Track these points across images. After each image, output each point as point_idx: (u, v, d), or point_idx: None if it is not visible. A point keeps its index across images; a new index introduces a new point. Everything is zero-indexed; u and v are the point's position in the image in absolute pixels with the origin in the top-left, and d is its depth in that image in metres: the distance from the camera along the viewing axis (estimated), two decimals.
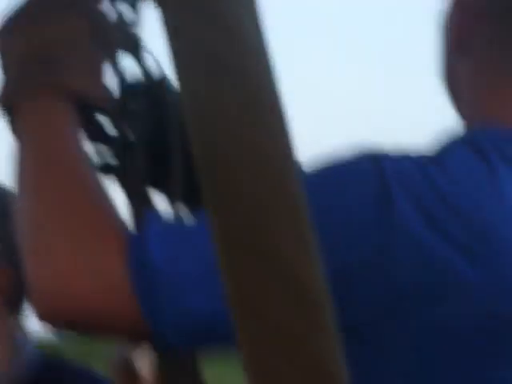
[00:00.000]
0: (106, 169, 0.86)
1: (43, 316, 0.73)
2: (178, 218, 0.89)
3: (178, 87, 0.49)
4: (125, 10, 0.91)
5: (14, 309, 1.44)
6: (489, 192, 0.73)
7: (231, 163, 0.45)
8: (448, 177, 0.72)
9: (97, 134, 0.85)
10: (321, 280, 0.47)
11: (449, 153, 0.76)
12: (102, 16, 0.84)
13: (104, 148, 0.87)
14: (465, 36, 0.82)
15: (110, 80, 0.86)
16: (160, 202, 0.90)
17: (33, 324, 1.52)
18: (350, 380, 0.48)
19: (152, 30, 0.91)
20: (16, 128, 0.78)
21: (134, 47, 0.90)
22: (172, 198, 0.93)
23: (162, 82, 0.93)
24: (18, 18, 0.79)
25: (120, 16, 0.88)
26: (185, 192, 0.89)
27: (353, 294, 0.71)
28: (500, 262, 0.72)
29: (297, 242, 0.46)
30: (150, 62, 0.92)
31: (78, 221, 0.72)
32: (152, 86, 0.92)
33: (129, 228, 0.76)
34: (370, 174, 0.72)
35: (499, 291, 0.72)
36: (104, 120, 0.85)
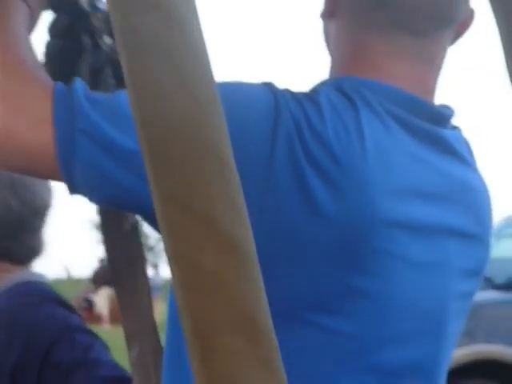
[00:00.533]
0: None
1: None
2: None
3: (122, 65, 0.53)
4: None
5: None
6: (353, 132, 0.82)
7: (167, 131, 0.50)
8: (320, 116, 0.81)
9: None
10: (249, 236, 0.52)
11: (321, 91, 0.86)
12: None
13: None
14: (331, 3, 0.96)
15: None
16: None
17: None
18: (272, 326, 0.53)
19: None
20: None
21: None
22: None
23: None
24: None
25: None
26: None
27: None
28: (354, 183, 0.83)
29: (227, 203, 0.52)
30: None
31: (11, 70, 0.81)
32: None
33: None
34: (265, 98, 0.83)
35: (353, 220, 0.83)
36: None
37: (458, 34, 0.99)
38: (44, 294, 1.52)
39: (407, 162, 0.88)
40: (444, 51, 0.98)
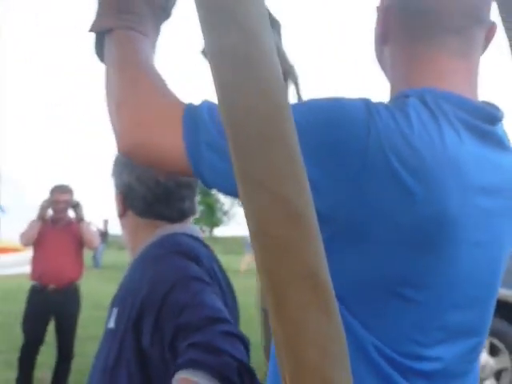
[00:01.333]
0: None
1: (121, 150, 1.05)
2: None
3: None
4: None
5: None
6: (435, 138, 0.94)
7: (248, 128, 0.63)
8: (409, 125, 0.93)
9: None
10: (310, 206, 0.64)
11: (408, 104, 0.97)
12: None
13: None
14: (383, 29, 1.09)
15: None
16: None
17: None
18: (330, 279, 0.64)
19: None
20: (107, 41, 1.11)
21: None
22: None
23: None
24: None
25: None
26: None
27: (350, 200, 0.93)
28: (436, 183, 0.94)
29: (293, 181, 0.63)
30: None
31: (148, 99, 1.02)
32: None
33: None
34: (360, 118, 0.93)
35: (433, 201, 0.94)
36: None
37: (487, 39, 1.09)
38: (174, 247, 1.71)
39: (473, 163, 0.99)
40: (479, 48, 1.09)
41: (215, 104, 0.97)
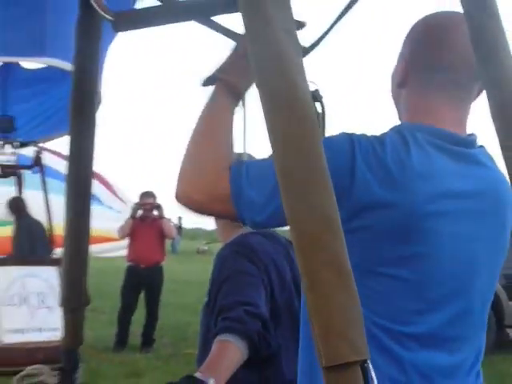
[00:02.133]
0: None
1: (180, 202, 1.03)
2: None
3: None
4: None
5: None
6: (403, 156, 0.95)
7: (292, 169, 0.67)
8: (384, 148, 0.95)
9: None
10: (335, 211, 0.67)
11: (387, 133, 0.99)
12: None
13: None
14: (402, 79, 1.07)
15: None
16: None
17: None
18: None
19: None
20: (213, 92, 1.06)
21: None
22: None
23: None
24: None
25: None
26: None
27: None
28: (402, 189, 0.94)
29: (325, 194, 0.67)
30: None
31: (210, 156, 1.00)
32: None
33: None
34: (346, 148, 0.95)
35: (401, 203, 0.94)
36: None
37: (480, 91, 1.06)
38: (237, 247, 1.68)
39: (442, 175, 0.98)
40: (473, 98, 1.07)
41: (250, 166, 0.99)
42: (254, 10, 0.72)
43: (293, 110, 0.68)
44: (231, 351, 1.41)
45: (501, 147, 0.82)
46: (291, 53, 0.70)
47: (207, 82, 1.06)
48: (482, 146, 1.07)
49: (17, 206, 5.87)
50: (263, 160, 1.04)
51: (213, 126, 1.03)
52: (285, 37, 0.70)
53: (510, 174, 0.81)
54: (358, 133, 0.98)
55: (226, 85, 1.04)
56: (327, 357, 0.63)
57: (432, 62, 1.04)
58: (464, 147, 1.03)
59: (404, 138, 0.97)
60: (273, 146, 0.69)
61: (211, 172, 0.98)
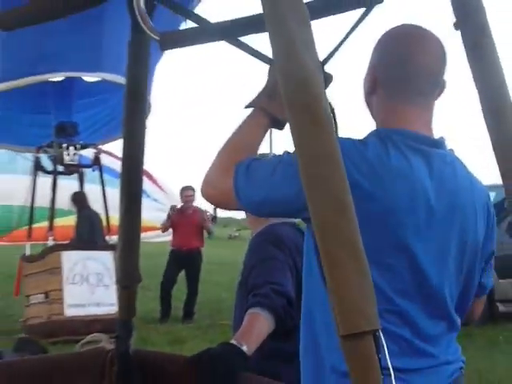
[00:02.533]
0: None
1: (202, 196, 1.08)
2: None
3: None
4: None
5: None
6: (383, 155, 0.94)
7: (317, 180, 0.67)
8: (366, 148, 0.94)
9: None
10: (351, 202, 0.67)
11: (368, 137, 0.98)
12: None
13: None
14: (371, 88, 1.05)
15: None
16: None
17: None
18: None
19: None
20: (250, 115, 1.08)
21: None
22: None
23: None
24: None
25: None
26: None
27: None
28: (384, 186, 0.93)
29: (342, 188, 0.67)
30: None
31: (224, 165, 1.02)
32: None
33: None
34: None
35: (385, 199, 0.92)
36: None
37: (439, 93, 1.05)
38: (266, 236, 1.70)
39: (416, 172, 0.96)
40: (435, 101, 1.05)
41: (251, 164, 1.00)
42: (278, 26, 0.71)
43: (313, 115, 0.68)
44: (260, 322, 1.43)
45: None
46: (312, 67, 0.70)
47: (249, 106, 1.07)
48: (450, 149, 1.06)
49: (79, 199, 5.99)
50: (265, 159, 1.06)
51: (243, 138, 1.05)
52: (306, 52, 0.70)
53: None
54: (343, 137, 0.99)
55: (265, 111, 1.05)
56: (344, 327, 0.63)
57: (398, 72, 1.01)
58: (435, 148, 1.01)
59: (382, 140, 0.97)
60: (296, 147, 0.69)
61: (222, 171, 1.01)
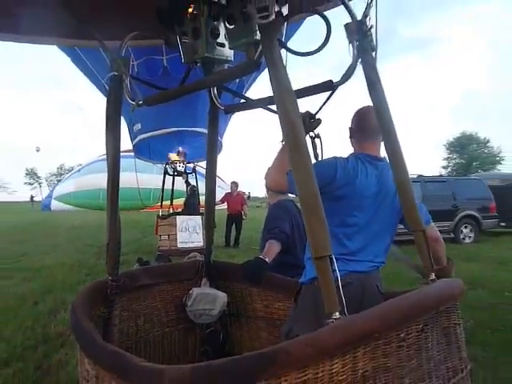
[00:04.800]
0: None
1: (266, 186, 1.07)
2: None
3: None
4: None
5: None
6: (358, 168, 0.93)
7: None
8: (347, 161, 0.93)
9: None
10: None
11: (348, 156, 0.97)
12: None
13: None
14: (350, 135, 1.04)
15: None
16: None
17: None
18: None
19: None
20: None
21: None
22: None
23: None
24: None
25: None
26: None
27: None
28: (354, 180, 0.92)
29: (309, 177, 0.60)
30: None
31: (278, 171, 0.97)
32: None
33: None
34: (332, 162, 0.96)
35: (354, 186, 0.92)
36: None
37: (381, 140, 0.96)
38: (278, 204, 1.63)
39: (369, 174, 0.97)
40: (380, 141, 1.00)
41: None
42: (274, 67, 0.65)
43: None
44: (274, 246, 1.42)
45: None
46: (292, 97, 0.64)
47: (282, 141, 1.01)
48: (387, 162, 0.99)
49: (191, 188, 5.97)
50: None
51: (282, 158, 1.00)
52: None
53: None
54: (338, 155, 0.99)
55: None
56: (315, 252, 0.58)
57: (361, 128, 1.01)
58: (380, 162, 1.00)
59: (356, 158, 0.98)
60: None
61: (280, 175, 0.97)
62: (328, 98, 0.89)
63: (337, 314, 0.55)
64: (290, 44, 0.74)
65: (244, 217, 6.27)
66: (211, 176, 1.29)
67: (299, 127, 0.64)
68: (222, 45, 0.75)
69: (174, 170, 5.33)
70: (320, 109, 0.95)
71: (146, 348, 1.10)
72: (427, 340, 0.58)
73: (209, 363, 0.51)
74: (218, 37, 0.74)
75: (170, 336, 1.18)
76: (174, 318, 1.20)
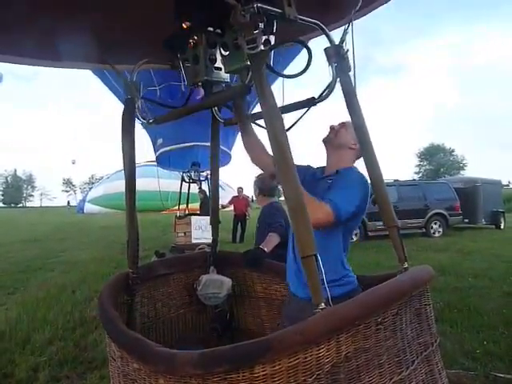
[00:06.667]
0: None
1: (315, 225, 0.62)
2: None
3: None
4: None
5: None
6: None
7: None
8: (345, 175, 0.82)
9: None
10: (301, 196, 0.55)
11: (348, 170, 0.85)
12: None
13: None
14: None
15: None
16: None
17: None
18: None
19: None
20: None
21: None
22: None
23: None
24: None
25: None
26: None
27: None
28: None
29: (293, 184, 0.55)
30: None
31: (314, 212, 0.71)
32: None
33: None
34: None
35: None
36: None
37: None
38: (271, 205, 1.61)
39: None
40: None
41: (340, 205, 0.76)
42: (261, 88, 0.59)
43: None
44: (273, 238, 1.43)
45: None
46: (277, 112, 0.58)
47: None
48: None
49: (201, 192, 5.79)
50: None
51: (306, 202, 0.75)
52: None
53: None
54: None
55: None
56: (302, 252, 0.54)
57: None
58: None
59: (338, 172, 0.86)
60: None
61: (314, 213, 0.71)
62: (304, 113, 0.82)
63: (322, 304, 0.52)
64: (291, 66, 0.70)
65: (248, 217, 6.25)
66: (214, 182, 1.25)
67: (283, 138, 0.58)
68: (219, 69, 0.74)
69: (190, 177, 5.21)
70: (295, 123, 0.82)
71: (164, 327, 1.11)
72: (401, 321, 0.57)
73: (214, 350, 0.51)
74: (215, 62, 0.73)
75: (184, 316, 1.18)
76: (187, 302, 1.19)
